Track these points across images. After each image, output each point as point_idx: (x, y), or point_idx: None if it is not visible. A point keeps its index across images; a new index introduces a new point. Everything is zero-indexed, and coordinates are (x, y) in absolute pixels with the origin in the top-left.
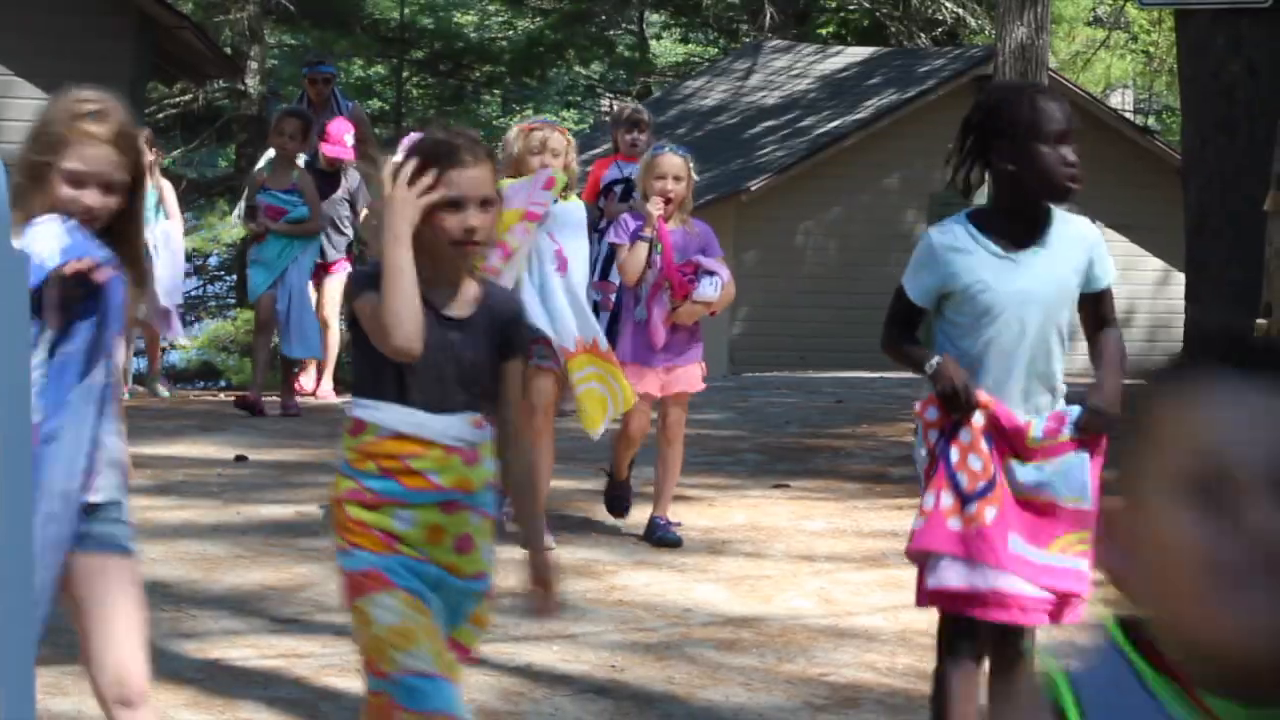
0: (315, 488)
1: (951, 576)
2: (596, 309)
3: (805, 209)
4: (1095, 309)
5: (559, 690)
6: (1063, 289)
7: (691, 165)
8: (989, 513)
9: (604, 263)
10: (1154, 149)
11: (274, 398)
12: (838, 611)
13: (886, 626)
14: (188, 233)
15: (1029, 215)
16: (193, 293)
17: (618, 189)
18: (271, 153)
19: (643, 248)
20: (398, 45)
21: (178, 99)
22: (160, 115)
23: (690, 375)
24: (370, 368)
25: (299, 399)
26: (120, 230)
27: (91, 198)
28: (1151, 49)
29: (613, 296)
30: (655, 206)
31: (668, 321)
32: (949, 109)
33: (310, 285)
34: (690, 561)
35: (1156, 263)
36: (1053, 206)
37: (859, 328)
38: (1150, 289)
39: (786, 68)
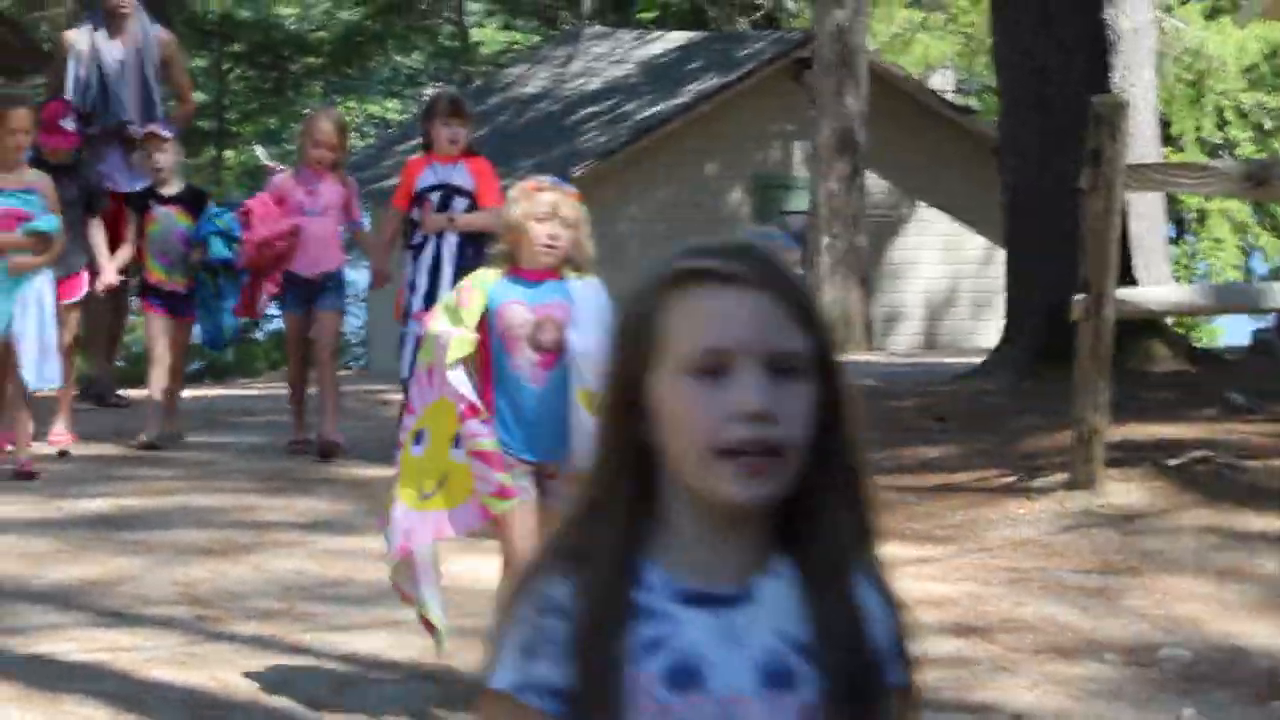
0: (135, 481)
1: None
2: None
3: (629, 194)
4: None
5: (387, 677)
6: None
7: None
8: None
9: (428, 287)
10: (975, 129)
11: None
12: None
13: None
14: None
15: None
16: None
17: (434, 196)
18: None
19: None
20: (218, 38)
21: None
22: None
23: None
24: None
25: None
26: None
27: None
28: (970, 29)
29: None
30: None
31: None
32: (769, 92)
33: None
34: None
35: (979, 240)
36: None
37: None
38: (974, 268)
39: (607, 53)
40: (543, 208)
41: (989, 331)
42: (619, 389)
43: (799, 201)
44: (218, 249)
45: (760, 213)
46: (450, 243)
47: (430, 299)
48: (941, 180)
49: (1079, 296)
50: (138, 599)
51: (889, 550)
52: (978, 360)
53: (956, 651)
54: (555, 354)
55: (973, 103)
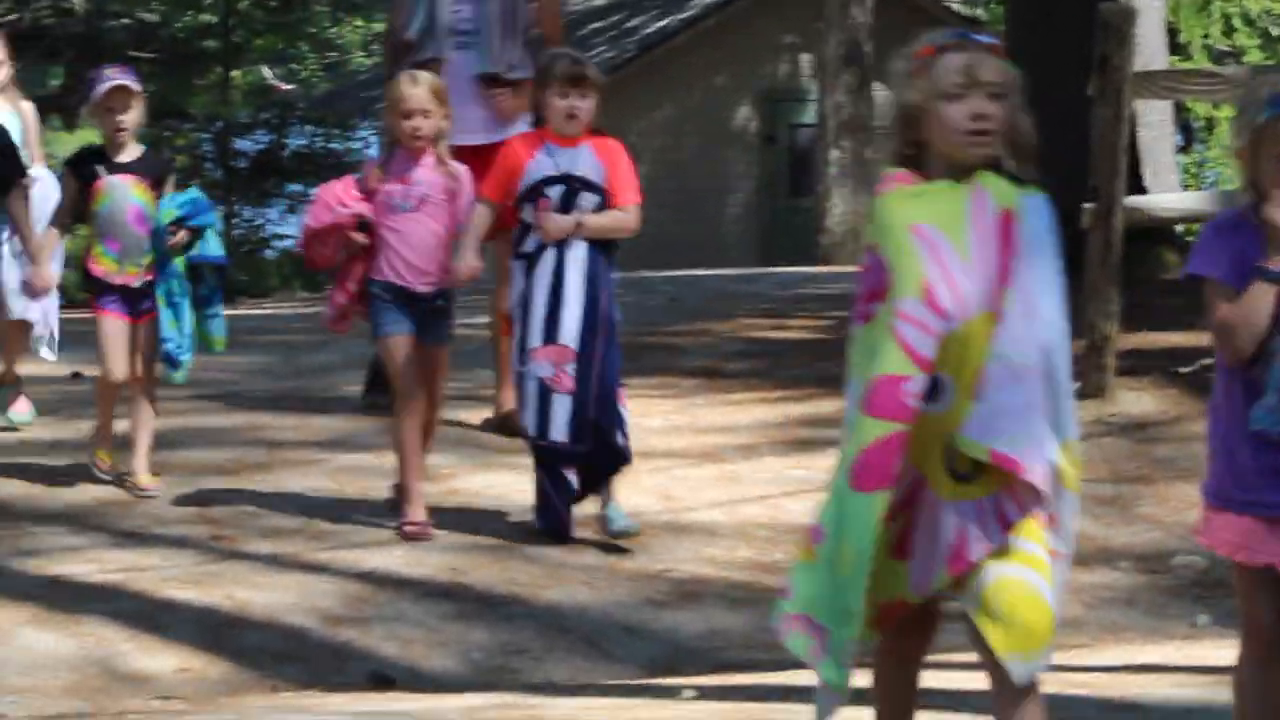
0: None
1: None
2: (545, 392)
3: (636, 109)
4: None
5: (403, 595)
6: None
7: None
8: None
9: (548, 314)
10: None
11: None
12: (676, 508)
13: (725, 521)
14: None
15: None
16: None
17: (553, 192)
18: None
19: (1267, 295)
20: None
21: (1, 19)
22: None
23: None
24: None
25: None
26: None
27: None
28: None
29: (569, 370)
30: None
31: None
32: (776, 5)
33: None
34: (528, 462)
35: None
36: None
37: (692, 226)
38: None
39: None
40: (953, 77)
41: None
42: None
43: (806, 114)
44: (212, 246)
45: (768, 126)
46: (578, 253)
47: (551, 330)
48: None
49: (1089, 205)
50: (153, 519)
51: None
52: None
53: None
54: None
55: (980, 13)
